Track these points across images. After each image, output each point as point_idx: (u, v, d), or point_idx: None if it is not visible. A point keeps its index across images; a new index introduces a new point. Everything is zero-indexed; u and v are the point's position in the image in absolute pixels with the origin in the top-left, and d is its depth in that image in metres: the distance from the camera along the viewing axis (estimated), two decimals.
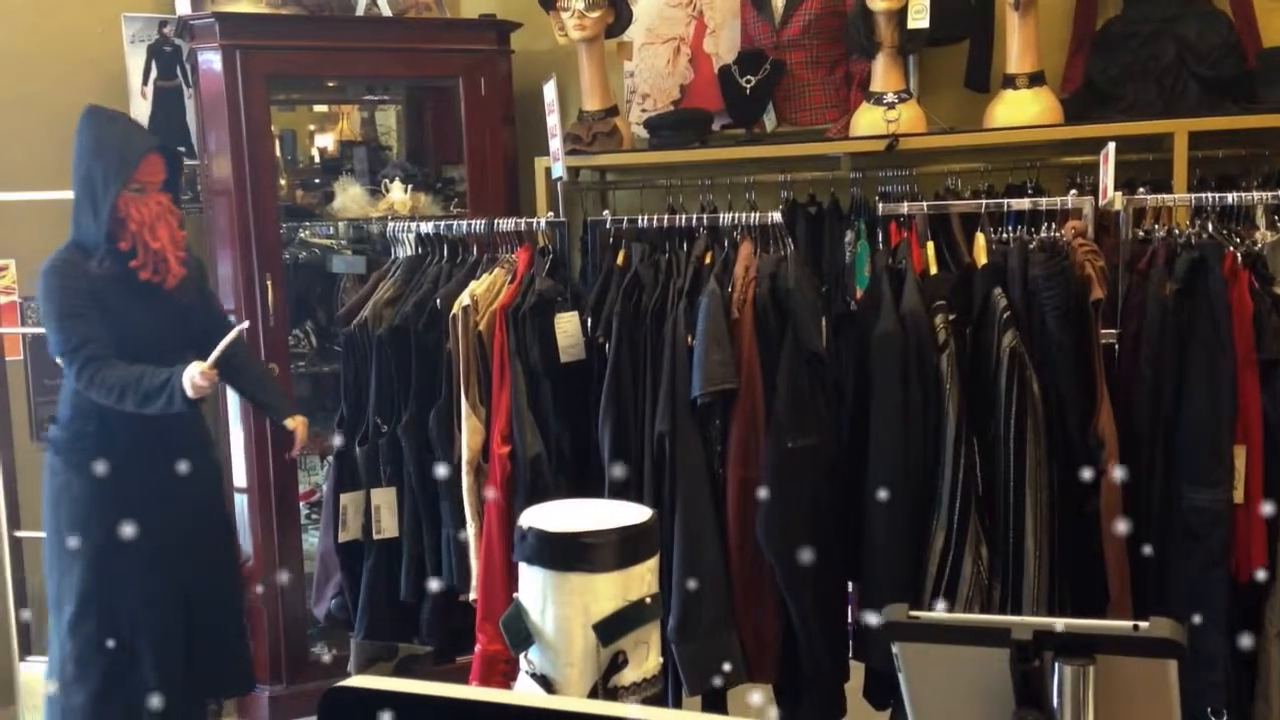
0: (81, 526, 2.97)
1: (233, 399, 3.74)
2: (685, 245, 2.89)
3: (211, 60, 3.65)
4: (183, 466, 2.93)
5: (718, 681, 2.69)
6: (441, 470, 2.84)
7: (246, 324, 2.93)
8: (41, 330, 3.83)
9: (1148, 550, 2.56)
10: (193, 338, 2.95)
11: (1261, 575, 2.51)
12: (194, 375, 2.79)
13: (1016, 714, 1.38)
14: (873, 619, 2.57)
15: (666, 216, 2.96)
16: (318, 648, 3.84)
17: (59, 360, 2.96)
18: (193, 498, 3.10)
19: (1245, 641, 2.56)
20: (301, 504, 3.94)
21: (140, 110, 3.98)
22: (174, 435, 3.00)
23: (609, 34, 3.78)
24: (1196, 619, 2.44)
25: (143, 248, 2.95)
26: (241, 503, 3.74)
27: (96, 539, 2.95)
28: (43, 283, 2.98)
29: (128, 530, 2.82)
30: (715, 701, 2.77)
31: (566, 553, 1.69)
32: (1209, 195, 2.77)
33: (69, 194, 3.34)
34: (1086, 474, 2.52)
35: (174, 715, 3.02)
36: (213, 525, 3.22)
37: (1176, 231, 2.73)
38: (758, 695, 2.82)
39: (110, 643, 2.96)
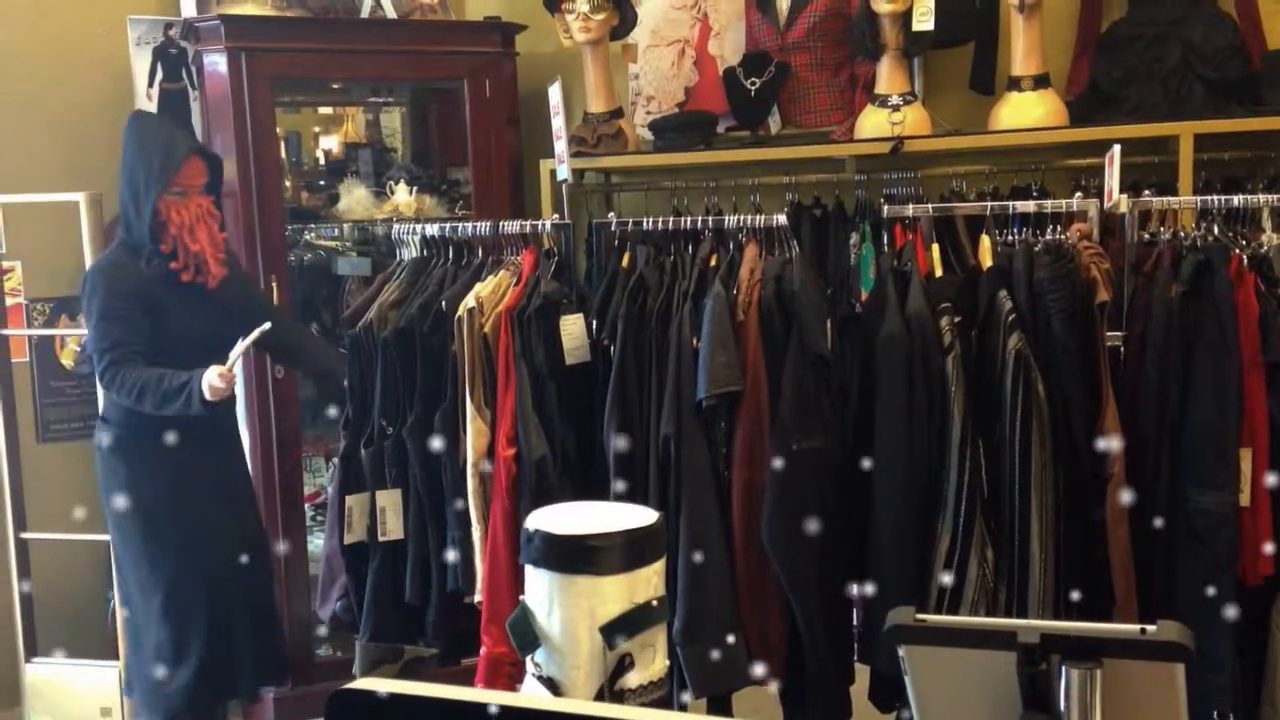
0: (166, 514, 3.09)
1: (237, 401, 3.74)
2: (690, 247, 2.89)
3: (217, 62, 3.66)
4: (225, 454, 3.22)
5: (723, 685, 2.69)
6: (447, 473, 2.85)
7: (268, 325, 2.97)
8: (45, 332, 3.85)
9: (1154, 552, 2.56)
10: (236, 337, 3.01)
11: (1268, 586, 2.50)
12: (212, 378, 2.87)
13: (1024, 717, 1.38)
14: (878, 621, 2.58)
15: (671, 219, 2.96)
16: (323, 650, 3.84)
17: (92, 358, 3.09)
18: (240, 485, 3.32)
19: (1251, 644, 2.56)
20: (307, 506, 3.94)
21: None
22: (215, 423, 3.12)
23: (614, 36, 3.78)
24: (1202, 622, 2.43)
25: (183, 250, 3.05)
26: None
27: (179, 525, 3.08)
28: (88, 281, 3.09)
29: (199, 515, 3.07)
30: (720, 704, 2.77)
31: (573, 555, 1.69)
32: (1215, 198, 2.77)
33: (75, 196, 3.36)
34: (1091, 478, 2.52)
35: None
36: (254, 514, 3.38)
37: (1182, 234, 2.72)
38: (763, 698, 2.82)
39: (203, 623, 3.08)
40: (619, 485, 2.71)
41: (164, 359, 2.98)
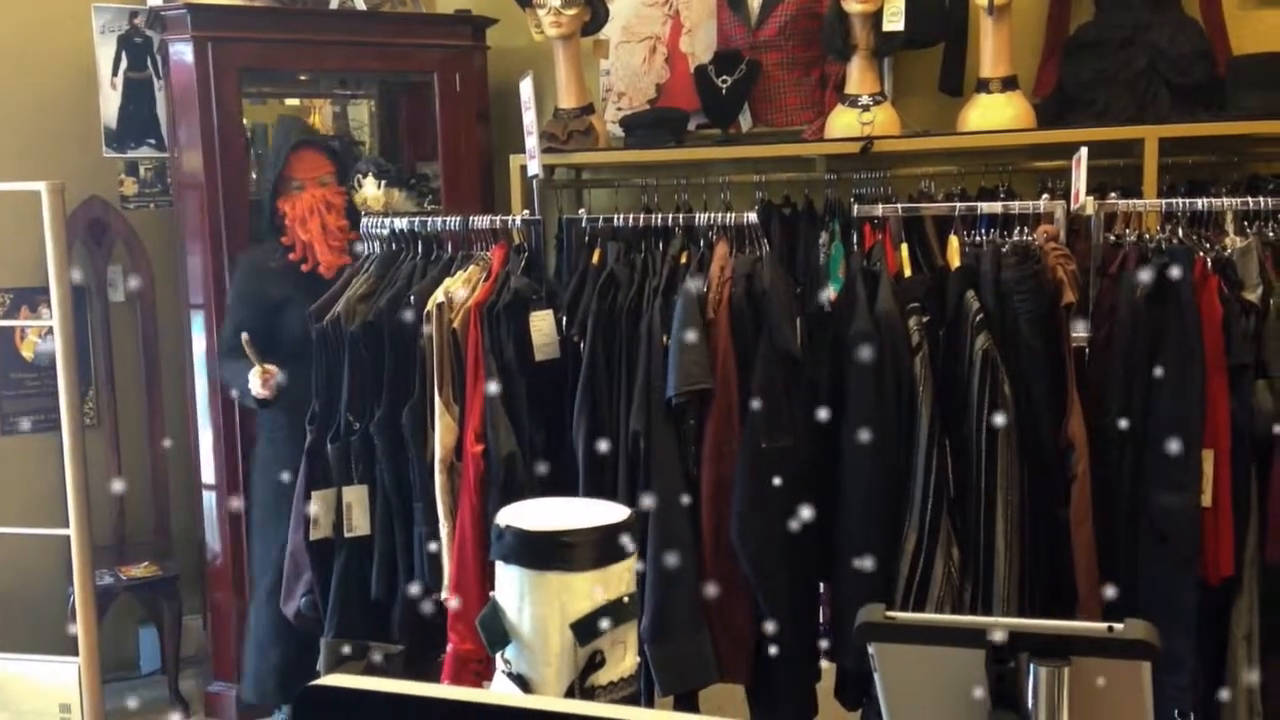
0: (279, 497, 3.17)
1: (201, 395, 3.70)
2: (661, 245, 2.89)
3: (182, 52, 3.61)
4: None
5: (690, 682, 2.70)
6: (415, 469, 2.83)
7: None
8: (6, 323, 3.80)
9: (1117, 552, 2.58)
10: None
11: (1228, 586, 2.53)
12: (252, 378, 3.06)
13: (992, 715, 1.39)
14: (845, 619, 2.59)
15: (642, 216, 2.96)
16: None
17: None
18: None
19: (1212, 644, 2.59)
20: None
21: (109, 102, 3.94)
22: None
23: (585, 32, 3.77)
24: (1163, 622, 2.46)
25: (296, 240, 3.27)
26: (210, 500, 3.71)
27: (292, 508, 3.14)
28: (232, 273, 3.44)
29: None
30: (687, 702, 2.77)
31: (545, 551, 1.69)
32: (1179, 201, 2.80)
33: (37, 185, 3.31)
34: (1056, 477, 2.55)
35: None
36: None
37: (1147, 237, 2.75)
38: (730, 696, 2.82)
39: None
40: (588, 483, 2.70)
41: (288, 350, 3.14)
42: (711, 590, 2.68)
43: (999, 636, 1.36)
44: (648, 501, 2.63)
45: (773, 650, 2.68)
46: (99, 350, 3.97)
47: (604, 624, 1.69)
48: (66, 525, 3.25)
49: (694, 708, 2.80)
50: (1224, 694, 2.58)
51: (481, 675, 2.68)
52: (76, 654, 3.41)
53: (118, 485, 3.88)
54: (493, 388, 2.75)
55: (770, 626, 2.66)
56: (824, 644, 2.81)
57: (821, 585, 2.83)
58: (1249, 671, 2.58)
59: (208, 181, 3.59)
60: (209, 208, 3.60)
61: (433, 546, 2.85)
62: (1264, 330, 2.57)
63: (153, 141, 4.02)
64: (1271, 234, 2.74)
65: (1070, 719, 1.35)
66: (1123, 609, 2.48)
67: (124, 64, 3.93)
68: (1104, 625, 1.35)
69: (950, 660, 1.40)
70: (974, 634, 1.38)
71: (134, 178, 4.03)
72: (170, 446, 4.03)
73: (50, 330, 3.42)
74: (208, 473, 3.70)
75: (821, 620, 2.85)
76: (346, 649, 3.00)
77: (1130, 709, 1.38)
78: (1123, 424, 2.57)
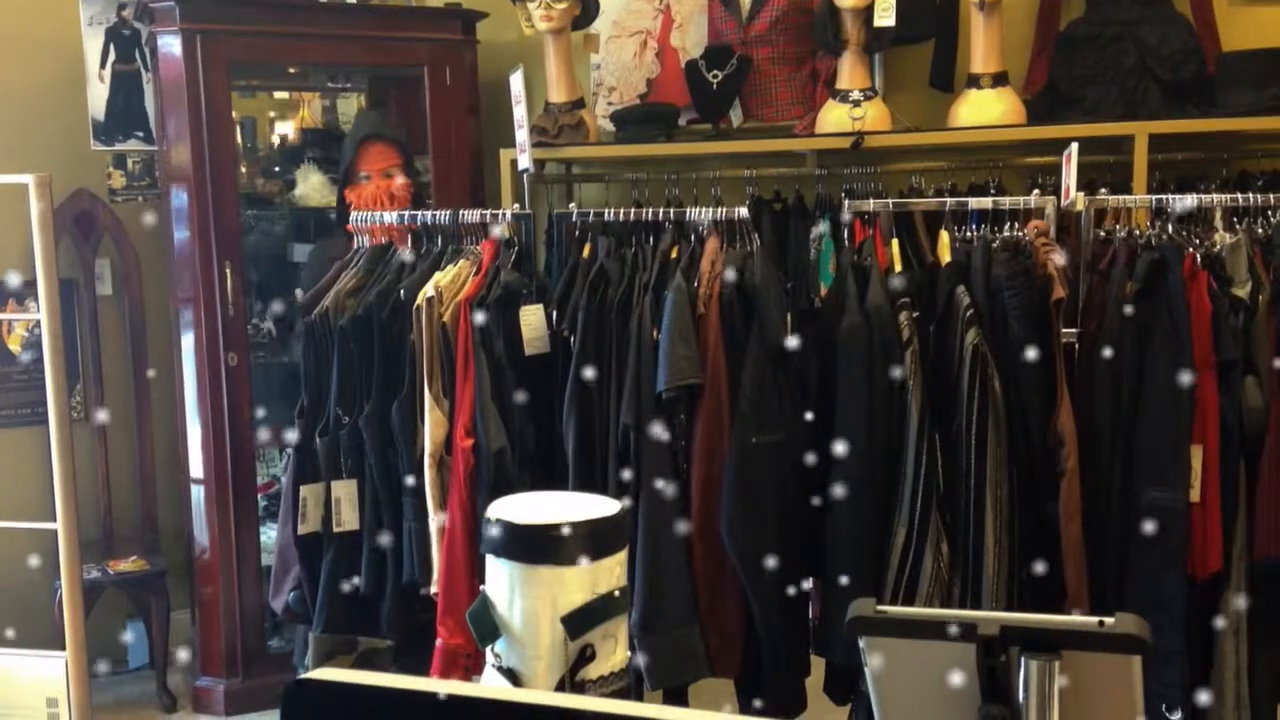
0: None
1: (189, 389, 3.69)
2: (651, 239, 2.88)
3: (171, 44, 3.59)
4: None
5: (680, 676, 2.69)
6: (404, 464, 2.82)
7: None
8: None
9: (1106, 547, 2.59)
10: None
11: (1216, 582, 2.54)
12: None
13: (982, 708, 1.39)
14: (834, 614, 2.59)
15: (633, 210, 2.95)
16: (275, 642, 3.80)
17: None
18: None
19: (1200, 640, 2.60)
20: (259, 496, 3.89)
21: (97, 94, 3.92)
22: None
23: (576, 26, 3.77)
24: (1152, 617, 2.46)
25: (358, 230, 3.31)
26: (198, 494, 3.69)
27: None
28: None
29: None
30: (677, 696, 2.77)
31: (536, 545, 1.68)
32: (1169, 197, 2.80)
33: (24, 178, 3.29)
34: (1045, 472, 2.55)
35: None
36: None
37: (1137, 233, 2.76)
38: (720, 690, 2.82)
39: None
40: (577, 477, 2.70)
41: None
42: (701, 584, 2.68)
43: (990, 630, 1.36)
44: (638, 496, 2.63)
45: (762, 644, 2.68)
46: (86, 344, 3.95)
47: (594, 618, 1.68)
48: (54, 519, 3.23)
49: (683, 701, 2.80)
50: (1212, 689, 2.58)
51: (471, 670, 2.68)
52: (64, 648, 3.40)
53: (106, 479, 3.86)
54: (483, 382, 2.74)
55: (759, 621, 2.66)
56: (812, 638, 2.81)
57: (810, 580, 2.83)
58: (1237, 666, 2.59)
59: (196, 175, 3.57)
60: (197, 201, 3.58)
61: (421, 542, 2.85)
62: (1253, 326, 2.58)
63: (141, 134, 4.00)
64: (1260, 230, 2.74)
65: (1060, 713, 1.35)
66: (1111, 604, 2.50)
67: (112, 56, 3.91)
68: (1094, 619, 1.35)
69: (941, 654, 1.40)
70: (965, 628, 1.38)
71: (122, 171, 4.01)
72: (158, 440, 4.01)
73: (37, 324, 3.40)
74: (196, 467, 3.69)
75: (810, 615, 2.85)
76: (335, 643, 3.00)
77: (1120, 703, 1.38)
78: (1111, 420, 2.58)
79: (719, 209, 2.86)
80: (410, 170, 3.58)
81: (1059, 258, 2.60)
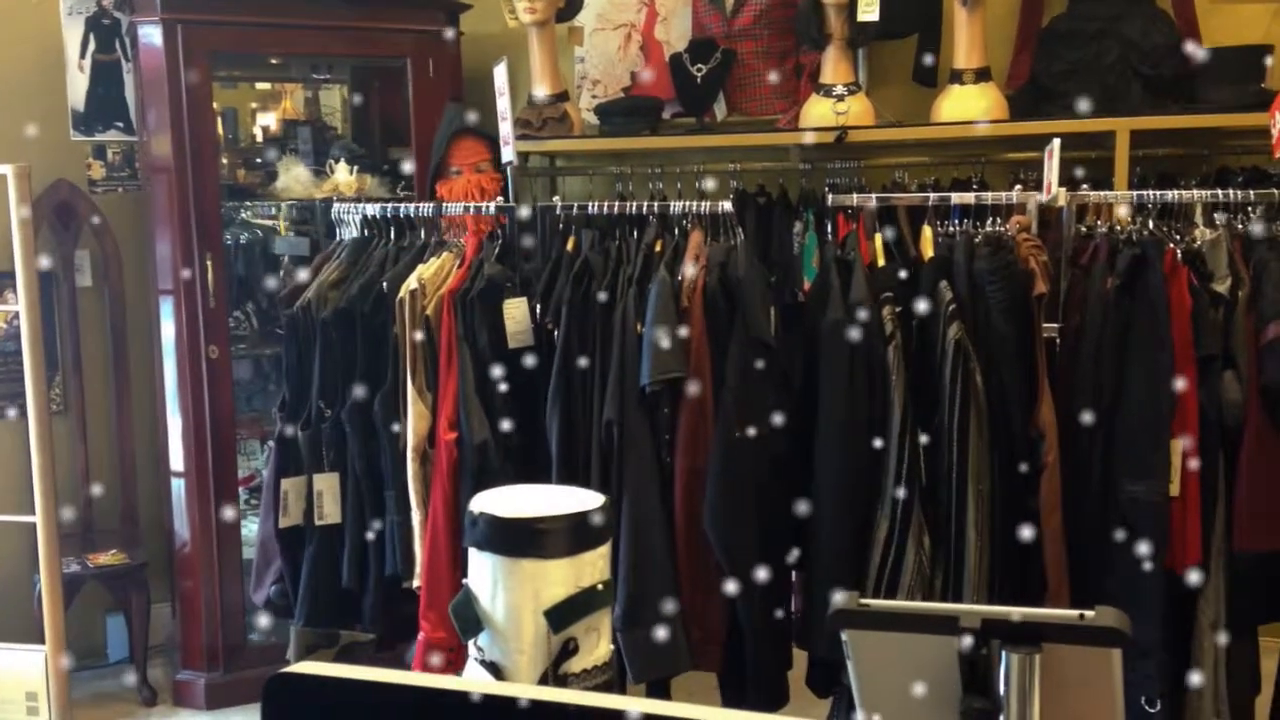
0: None
1: (170, 382, 3.67)
2: (635, 233, 2.88)
3: (151, 34, 3.56)
4: None
5: (663, 670, 2.70)
6: (386, 457, 2.81)
7: None
8: None
9: (1086, 541, 2.60)
10: None
11: (1195, 575, 2.55)
12: None
13: (963, 701, 1.39)
14: (817, 607, 2.60)
15: (617, 203, 2.95)
16: (256, 635, 3.78)
17: None
18: None
19: (1178, 633, 2.61)
20: (241, 489, 3.87)
21: (77, 84, 3.89)
22: None
23: (560, 18, 3.76)
24: (1131, 610, 2.48)
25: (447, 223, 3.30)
26: (178, 487, 3.68)
27: None
28: None
29: None
30: (660, 689, 2.77)
31: (518, 538, 1.68)
32: (1150, 193, 2.81)
33: (3, 169, 3.26)
34: (1026, 466, 2.56)
35: None
36: None
37: (1118, 228, 2.77)
38: (703, 683, 2.83)
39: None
40: (561, 471, 2.70)
41: None
42: (684, 578, 2.68)
43: (972, 623, 1.37)
44: (621, 489, 2.63)
45: (744, 638, 2.68)
46: (66, 336, 3.93)
47: (578, 611, 1.68)
48: (32, 512, 3.21)
49: (666, 695, 2.80)
50: (1191, 681, 2.60)
51: (453, 664, 2.67)
52: (43, 642, 3.38)
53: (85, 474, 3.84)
54: (466, 375, 2.74)
55: (742, 614, 2.67)
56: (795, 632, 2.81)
57: (793, 574, 2.84)
58: (1215, 659, 2.61)
59: (177, 166, 3.55)
60: (178, 192, 3.56)
61: (404, 535, 2.84)
62: (1232, 322, 2.59)
63: (121, 125, 3.97)
64: (1240, 226, 2.76)
65: (1041, 705, 1.36)
66: (1091, 597, 2.51)
67: (92, 46, 3.88)
68: (1075, 613, 1.36)
69: (923, 647, 1.40)
70: (947, 621, 1.38)
71: (102, 161, 3.98)
72: (138, 433, 3.99)
73: (16, 315, 3.37)
74: (176, 460, 3.67)
75: (793, 608, 2.85)
76: (317, 637, 2.99)
77: (1100, 695, 1.39)
78: (1092, 414, 2.59)
79: (703, 203, 2.86)
80: (497, 165, 3.55)
81: (1043, 256, 2.61)
